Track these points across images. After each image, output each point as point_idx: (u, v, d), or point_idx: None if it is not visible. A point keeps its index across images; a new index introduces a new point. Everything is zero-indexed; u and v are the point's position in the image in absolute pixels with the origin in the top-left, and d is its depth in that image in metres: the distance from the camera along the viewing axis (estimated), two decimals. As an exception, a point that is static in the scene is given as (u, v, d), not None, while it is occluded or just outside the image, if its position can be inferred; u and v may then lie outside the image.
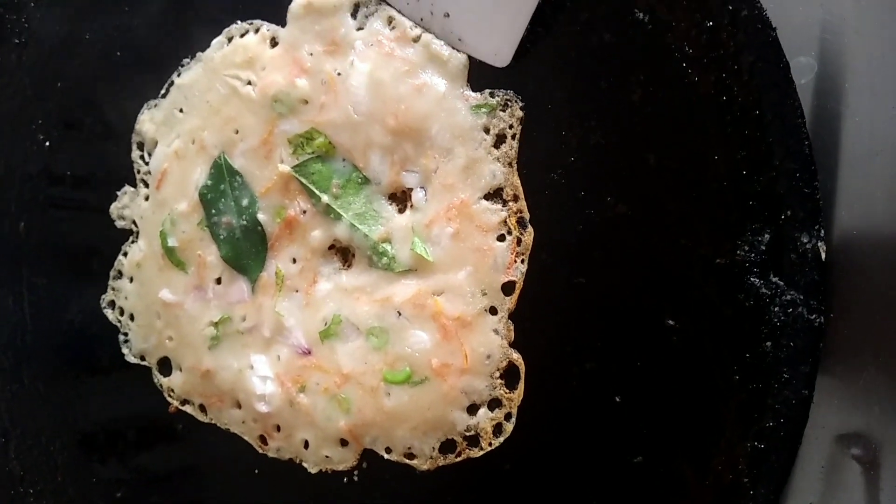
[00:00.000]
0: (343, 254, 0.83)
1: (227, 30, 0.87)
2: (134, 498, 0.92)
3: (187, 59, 0.89)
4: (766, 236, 0.67)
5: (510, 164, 0.76)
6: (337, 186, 0.81)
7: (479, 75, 0.77)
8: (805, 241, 0.66)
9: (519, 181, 0.75)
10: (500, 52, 0.76)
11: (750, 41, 0.67)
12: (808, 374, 0.66)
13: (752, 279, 0.68)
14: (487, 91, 0.77)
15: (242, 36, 0.86)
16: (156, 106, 0.91)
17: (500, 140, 0.76)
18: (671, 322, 0.71)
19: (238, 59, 0.85)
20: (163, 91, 0.90)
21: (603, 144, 0.73)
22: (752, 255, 0.68)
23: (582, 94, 0.73)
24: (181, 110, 0.89)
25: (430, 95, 0.77)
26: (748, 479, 0.68)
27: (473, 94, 0.77)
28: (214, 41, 0.87)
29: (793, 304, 0.67)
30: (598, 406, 0.73)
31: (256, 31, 0.85)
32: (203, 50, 0.88)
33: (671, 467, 0.71)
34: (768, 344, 0.68)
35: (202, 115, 0.87)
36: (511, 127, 0.76)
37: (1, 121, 0.98)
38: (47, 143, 0.96)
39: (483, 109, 0.77)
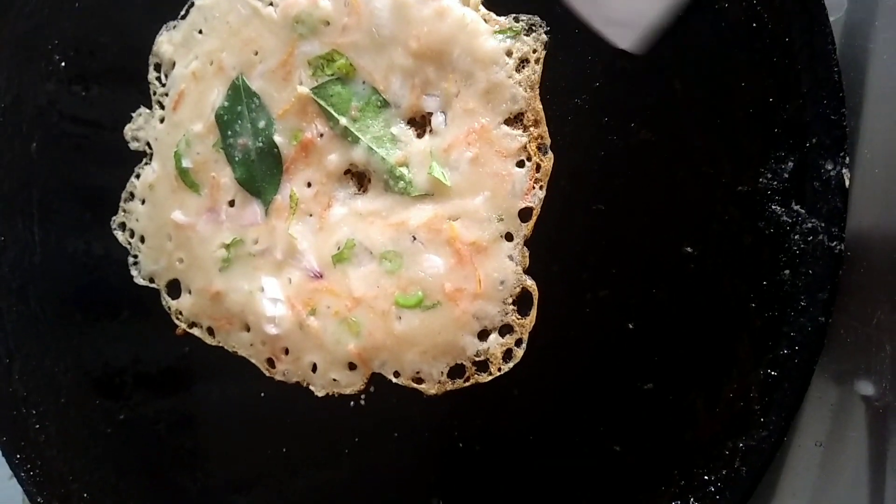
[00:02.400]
0: (359, 178, 0.82)
1: (251, -50, 0.85)
2: (136, 420, 0.92)
3: (209, -20, 0.88)
4: (790, 164, 0.67)
5: (532, 89, 0.75)
6: (356, 109, 0.80)
7: (505, -2, 0.76)
8: (829, 168, 0.66)
9: (541, 106, 0.75)
10: (629, 34, 0.71)
11: (783, -34, 0.67)
12: (825, 302, 0.66)
13: (773, 207, 0.68)
14: (512, 16, 0.76)
15: (266, -44, 0.85)
16: (175, 27, 0.90)
17: (522, 64, 0.76)
18: (689, 250, 0.70)
19: (261, -21, 0.84)
20: (182, 12, 0.90)
21: (628, 70, 0.72)
22: (775, 182, 0.67)
23: (609, 19, 0.73)
24: (200, 31, 0.88)
25: (451, 18, 0.76)
26: (759, 408, 0.68)
27: (498, 17, 0.76)
28: (238, -39, 0.86)
29: (813, 232, 0.67)
30: (611, 333, 0.73)
31: (281, -50, 0.84)
32: (225, -30, 0.87)
33: (682, 395, 0.71)
34: (786, 272, 0.68)
35: (221, 37, 0.86)
36: (535, 51, 0.75)
37: (17, 40, 0.97)
38: (63, 64, 0.95)
39: (507, 34, 0.76)
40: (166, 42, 0.90)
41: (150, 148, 0.91)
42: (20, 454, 0.95)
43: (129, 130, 0.92)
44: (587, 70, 0.73)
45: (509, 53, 0.76)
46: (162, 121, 0.90)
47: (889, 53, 0.72)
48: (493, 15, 0.77)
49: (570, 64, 0.74)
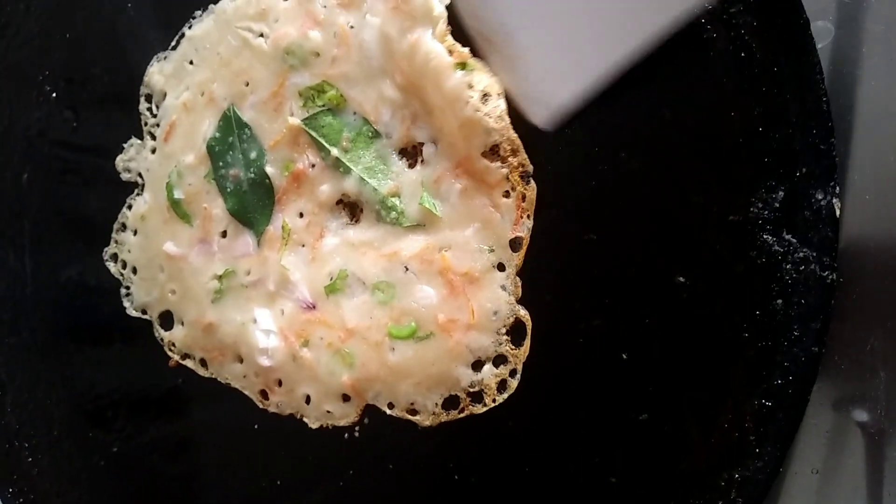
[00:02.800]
0: (351, 209, 0.82)
1: (240, -18, 0.86)
2: (130, 452, 0.91)
3: (199, 12, 0.88)
4: (781, 193, 0.67)
5: (501, 119, 0.73)
6: (347, 140, 0.80)
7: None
8: (820, 197, 0.66)
9: (516, 135, 0.74)
10: (541, 111, 0.73)
11: (769, -5, 0.67)
12: (818, 331, 0.66)
13: (765, 236, 0.68)
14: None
15: (256, -12, 0.85)
16: (165, 58, 0.90)
17: (485, 97, 0.74)
18: (681, 279, 0.70)
19: (251, 11, 0.84)
20: (173, 43, 0.90)
21: (617, 99, 0.72)
22: (766, 212, 0.68)
23: (597, 49, 0.73)
24: (191, 62, 0.88)
25: (420, 54, 0.74)
26: (754, 438, 0.68)
27: (462, 49, 0.74)
28: (228, -7, 0.86)
29: (805, 262, 0.67)
30: (605, 363, 0.73)
31: (270, -17, 0.84)
32: (216, 2, 0.87)
33: (677, 425, 0.71)
34: (779, 301, 0.68)
35: (212, 68, 0.86)
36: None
37: (7, 71, 0.97)
38: (54, 95, 0.95)
39: (466, 68, 0.74)
40: (157, 73, 0.90)
41: (142, 178, 0.91)
42: (13, 488, 0.94)
43: (120, 161, 0.92)
44: (576, 100, 0.73)
45: (471, 86, 0.74)
46: (153, 152, 0.90)
47: (877, 80, 0.72)
48: (458, 46, 0.74)
49: (557, 94, 0.74)
